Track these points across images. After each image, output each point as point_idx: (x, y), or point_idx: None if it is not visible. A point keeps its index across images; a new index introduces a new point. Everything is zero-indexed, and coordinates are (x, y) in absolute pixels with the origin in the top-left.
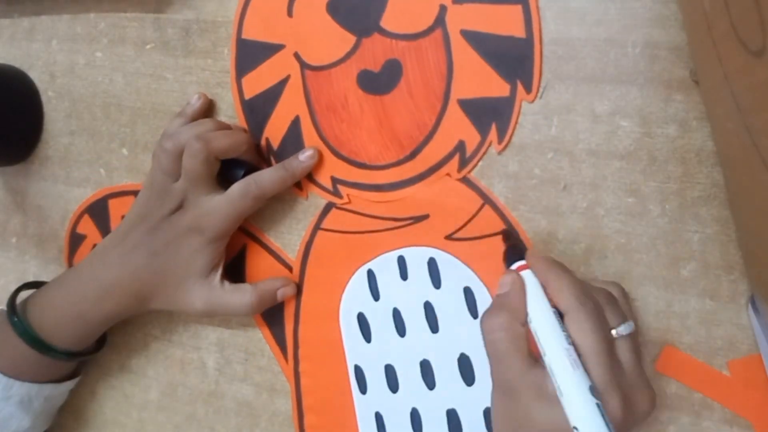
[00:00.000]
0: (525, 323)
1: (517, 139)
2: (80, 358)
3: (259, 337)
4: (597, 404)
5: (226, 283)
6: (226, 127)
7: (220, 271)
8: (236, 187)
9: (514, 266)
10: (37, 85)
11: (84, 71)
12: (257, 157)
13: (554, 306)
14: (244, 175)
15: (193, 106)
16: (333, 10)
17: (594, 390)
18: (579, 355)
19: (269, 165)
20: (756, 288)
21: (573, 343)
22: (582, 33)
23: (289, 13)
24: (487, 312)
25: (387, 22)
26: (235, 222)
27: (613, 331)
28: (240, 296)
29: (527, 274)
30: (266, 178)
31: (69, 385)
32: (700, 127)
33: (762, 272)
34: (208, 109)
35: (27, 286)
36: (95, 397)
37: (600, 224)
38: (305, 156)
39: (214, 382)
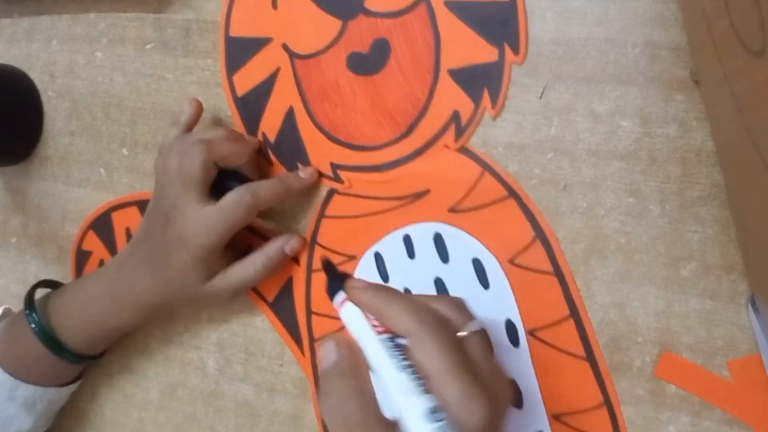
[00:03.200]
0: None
1: (517, 139)
2: (87, 362)
3: (260, 337)
4: (440, 425)
5: (236, 265)
6: (238, 137)
7: (226, 270)
8: (229, 197)
9: (338, 300)
10: (37, 85)
11: (84, 71)
12: (256, 173)
13: (393, 333)
14: None
15: (186, 114)
16: None
17: (437, 409)
18: (430, 376)
19: (267, 161)
20: (756, 288)
21: (422, 365)
22: (582, 33)
23: (274, 6)
24: (323, 392)
25: (371, 2)
26: (223, 235)
27: (462, 334)
28: (250, 269)
29: (348, 311)
30: (262, 188)
31: (72, 387)
32: (700, 127)
33: (762, 272)
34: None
35: (43, 284)
36: (96, 398)
37: (600, 224)
38: (306, 174)
39: (214, 382)
